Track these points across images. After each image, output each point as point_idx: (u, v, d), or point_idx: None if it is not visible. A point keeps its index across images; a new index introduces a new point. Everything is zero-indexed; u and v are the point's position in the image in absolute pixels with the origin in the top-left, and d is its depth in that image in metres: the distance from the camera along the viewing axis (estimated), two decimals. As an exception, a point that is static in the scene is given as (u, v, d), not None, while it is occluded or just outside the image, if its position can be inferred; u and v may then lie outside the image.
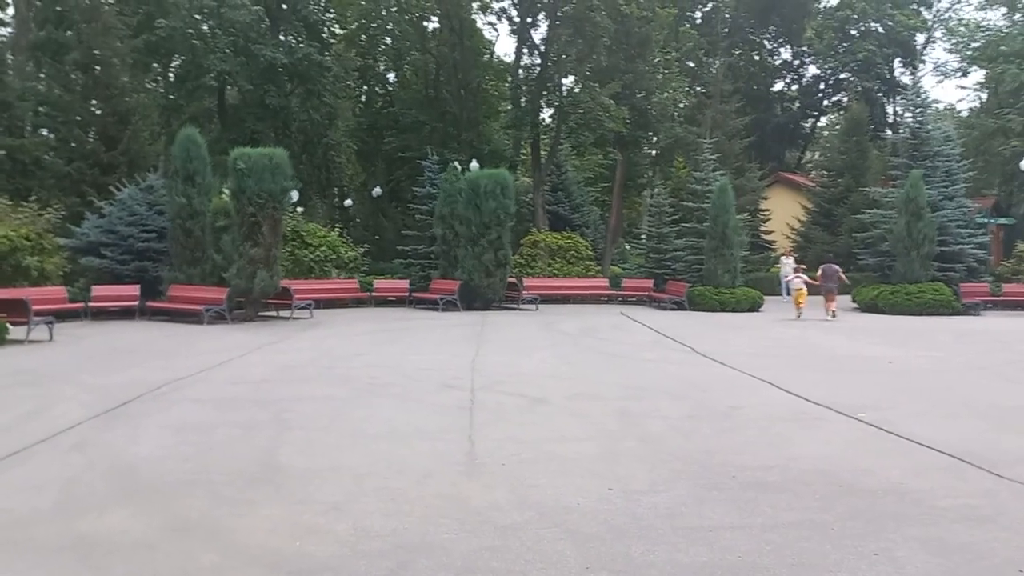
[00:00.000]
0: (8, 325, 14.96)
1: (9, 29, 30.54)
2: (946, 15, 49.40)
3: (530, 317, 21.86)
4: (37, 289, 18.13)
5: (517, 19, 33.51)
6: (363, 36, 38.61)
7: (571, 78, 32.78)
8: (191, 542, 4.81)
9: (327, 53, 34.17)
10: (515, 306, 24.73)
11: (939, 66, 51.31)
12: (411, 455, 6.93)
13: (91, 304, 19.68)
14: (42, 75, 27.75)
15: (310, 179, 36.03)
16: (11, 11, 30.77)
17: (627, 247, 41.42)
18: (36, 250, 19.05)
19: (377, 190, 35.88)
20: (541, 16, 33.12)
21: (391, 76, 42.32)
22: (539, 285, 26.49)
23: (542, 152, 33.78)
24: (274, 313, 21.37)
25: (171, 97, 34.53)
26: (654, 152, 39.20)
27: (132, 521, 5.16)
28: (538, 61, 33.21)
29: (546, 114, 34.61)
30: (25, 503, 5.52)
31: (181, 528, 5.04)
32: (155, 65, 34.55)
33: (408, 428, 7.98)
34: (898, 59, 50.27)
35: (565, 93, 32.37)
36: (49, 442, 7.28)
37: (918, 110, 28.74)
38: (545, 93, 32.49)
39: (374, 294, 25.38)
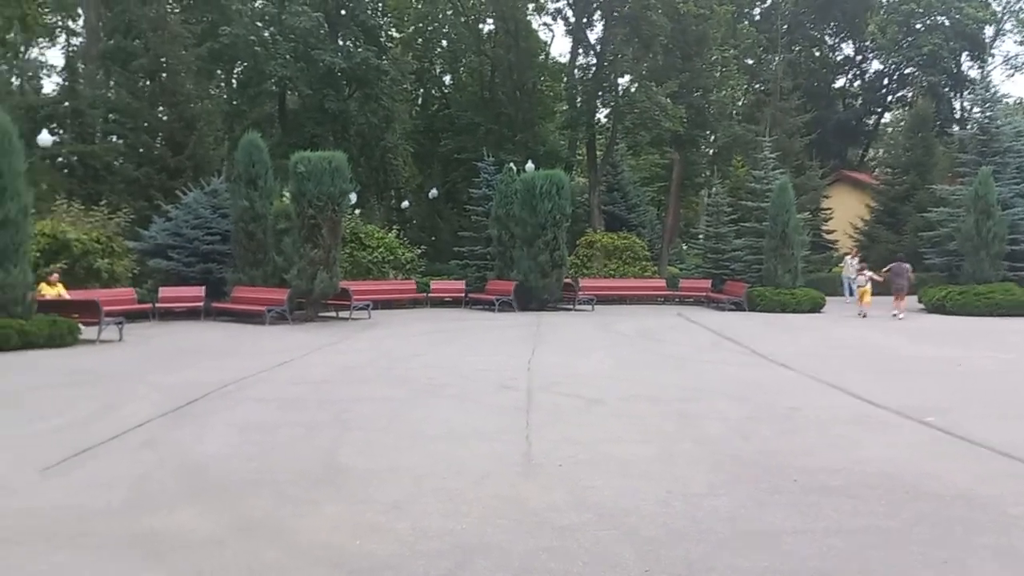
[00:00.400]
0: (81, 325, 15.52)
1: (81, 39, 31.59)
2: (1016, 6, 47.71)
3: (586, 318, 21.79)
4: (107, 291, 18.76)
5: (572, 19, 33.44)
6: (419, 39, 38.98)
7: (627, 77, 32.61)
8: (256, 540, 4.92)
9: (384, 57, 34.57)
10: (571, 307, 24.68)
11: (1009, 59, 49.60)
12: (469, 456, 6.98)
13: (158, 305, 20.28)
14: (112, 83, 28.68)
15: (368, 181, 36.51)
16: (82, 22, 31.87)
17: (684, 247, 41.02)
18: (107, 253, 19.72)
19: (433, 192, 36.17)
20: (597, 16, 33.00)
21: (447, 78, 42.65)
22: (595, 286, 26.38)
23: (598, 152, 33.63)
24: (333, 314, 21.70)
25: (234, 103, 35.33)
26: (712, 151, 38.73)
27: (200, 518, 5.30)
28: (594, 61, 33.10)
29: (602, 114, 34.48)
30: (97, 498, 5.70)
31: (247, 526, 5.15)
32: (219, 72, 35.41)
33: (466, 429, 8.03)
34: (965, 53, 48.68)
35: (621, 93, 32.20)
36: (120, 439, 7.52)
37: (987, 105, 27.84)
38: (601, 93, 32.36)
39: (431, 295, 25.59)
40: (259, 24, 31.24)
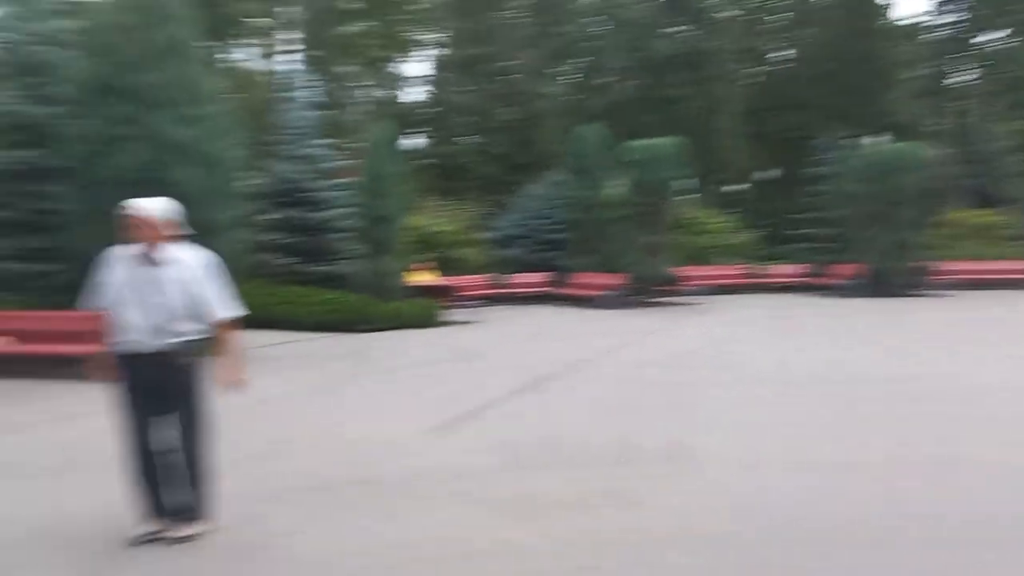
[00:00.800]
0: (442, 308, 17.47)
1: (440, 49, 35.09)
2: None
3: (947, 304, 19.82)
4: (465, 277, 20.85)
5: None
6: (750, 16, 37.77)
7: (995, 34, 28.85)
8: (612, 510, 5.27)
9: (714, 38, 34.06)
10: (928, 292, 22.53)
11: None
12: (809, 447, 6.82)
13: (507, 290, 22.06)
14: (466, 88, 31.56)
15: (699, 166, 36.20)
16: (438, 34, 35.34)
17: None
18: (465, 243, 21.98)
19: (768, 172, 34.96)
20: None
21: (781, 53, 40.82)
22: (956, 269, 23.72)
23: (958, 120, 30.19)
24: (665, 299, 21.98)
25: (572, 98, 37.04)
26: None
27: (561, 486, 5.77)
28: (954, 19, 29.74)
29: (963, 77, 30.87)
30: (472, 461, 6.43)
31: (603, 496, 5.51)
32: (558, 68, 37.34)
33: (804, 422, 7.82)
34: None
35: (987, 51, 28.58)
36: (486, 410, 8.41)
37: None
38: (962, 53, 29.00)
39: (767, 280, 24.86)
40: (594, 19, 32.43)
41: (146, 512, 4.79)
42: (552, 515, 5.16)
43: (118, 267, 4.73)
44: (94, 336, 4.90)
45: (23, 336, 9.78)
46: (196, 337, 4.73)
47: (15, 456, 6.77)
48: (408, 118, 30.54)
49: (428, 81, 34.40)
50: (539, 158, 27.18)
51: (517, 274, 22.74)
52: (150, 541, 4.70)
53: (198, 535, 4.74)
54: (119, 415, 4.77)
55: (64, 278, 11.23)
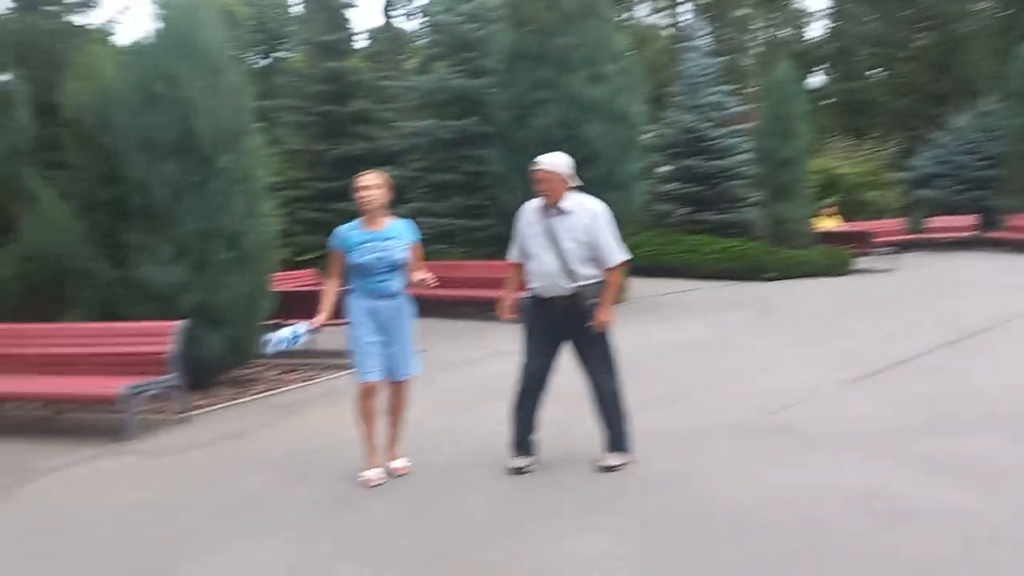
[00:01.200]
0: (854, 255, 16.38)
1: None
2: None
3: None
4: (877, 222, 19.29)
5: None
6: None
7: None
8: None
9: None
10: None
11: None
12: None
13: (924, 236, 19.92)
14: (866, 17, 28.79)
15: None
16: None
17: None
18: (875, 185, 20.27)
19: None
20: None
21: None
22: None
23: None
24: None
25: (1007, 13, 31.92)
26: None
27: (1007, 449, 5.14)
28: None
29: None
30: (897, 416, 6.01)
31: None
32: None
33: None
34: None
35: None
36: (908, 363, 7.76)
37: None
38: None
39: None
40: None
41: (519, 447, 5.19)
42: (1000, 479, 4.63)
43: (530, 218, 5.17)
44: (509, 282, 5.39)
45: (460, 283, 11.20)
46: (594, 281, 4.97)
47: (460, 386, 7.85)
48: (807, 56, 28.79)
49: (828, 15, 32.07)
50: (961, 86, 23.92)
51: (936, 217, 20.44)
52: (519, 474, 5.08)
53: (621, 465, 5.07)
54: (523, 355, 5.14)
55: (492, 231, 12.66)
